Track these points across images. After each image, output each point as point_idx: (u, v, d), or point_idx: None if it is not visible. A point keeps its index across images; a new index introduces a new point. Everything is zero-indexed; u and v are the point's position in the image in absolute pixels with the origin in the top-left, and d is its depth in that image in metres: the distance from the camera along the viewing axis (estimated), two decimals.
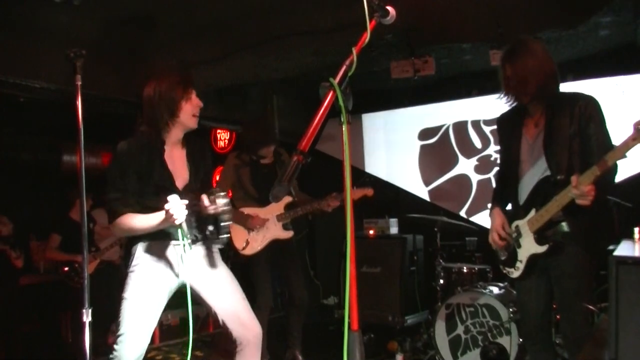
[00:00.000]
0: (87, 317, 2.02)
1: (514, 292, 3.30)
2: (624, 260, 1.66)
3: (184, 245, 2.33)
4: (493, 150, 5.29)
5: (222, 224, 2.28)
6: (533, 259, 2.44)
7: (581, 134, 2.32)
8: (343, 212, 1.46)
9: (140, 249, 2.41)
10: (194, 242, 2.47)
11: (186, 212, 2.20)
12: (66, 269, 4.70)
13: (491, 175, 5.25)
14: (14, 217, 4.71)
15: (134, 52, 4.24)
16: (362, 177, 5.66)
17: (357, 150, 6.10)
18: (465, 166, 5.48)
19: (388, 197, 5.65)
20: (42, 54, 3.85)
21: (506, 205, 2.63)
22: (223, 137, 6.59)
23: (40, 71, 3.91)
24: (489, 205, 2.70)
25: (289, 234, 3.88)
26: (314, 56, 4.32)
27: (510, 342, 3.37)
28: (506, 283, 3.72)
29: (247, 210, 3.80)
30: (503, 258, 2.61)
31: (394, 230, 5.23)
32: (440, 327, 3.73)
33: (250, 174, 3.87)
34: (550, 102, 2.41)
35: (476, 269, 4.04)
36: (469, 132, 5.47)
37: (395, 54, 4.38)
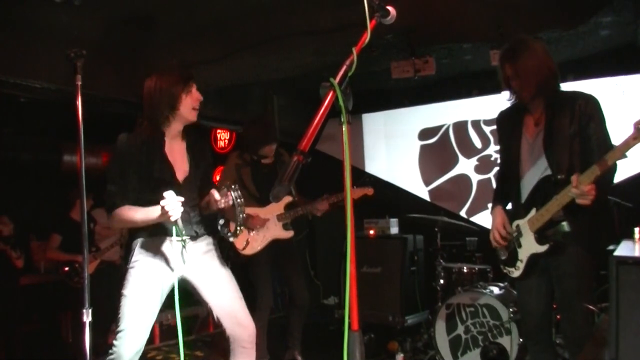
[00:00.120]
0: (87, 317, 2.02)
1: (515, 292, 3.30)
2: (625, 260, 1.66)
3: (183, 242, 2.34)
4: (493, 150, 5.29)
5: (240, 215, 2.28)
6: (533, 258, 2.43)
7: (581, 133, 2.32)
8: (343, 212, 1.46)
9: (140, 245, 2.43)
10: (193, 238, 2.47)
11: (181, 209, 2.20)
12: (66, 269, 4.70)
13: (491, 175, 5.25)
14: (15, 217, 4.72)
15: (134, 52, 4.24)
16: (362, 177, 5.65)
17: (357, 150, 6.10)
18: (466, 166, 5.48)
19: (388, 197, 5.65)
20: (43, 54, 3.85)
21: (507, 204, 2.63)
22: (223, 137, 6.59)
23: (41, 71, 3.91)
24: (489, 205, 2.70)
25: (289, 234, 3.88)
26: (314, 56, 4.32)
27: (510, 342, 3.36)
28: (506, 283, 3.72)
29: (247, 210, 3.79)
30: (503, 258, 2.61)
31: (394, 230, 5.23)
32: (440, 327, 3.73)
33: (251, 173, 3.87)
34: (551, 101, 2.41)
35: (476, 269, 4.04)
36: (469, 132, 5.47)
37: (396, 54, 4.38)
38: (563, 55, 4.54)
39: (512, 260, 2.54)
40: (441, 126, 5.65)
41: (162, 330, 4.83)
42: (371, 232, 5.23)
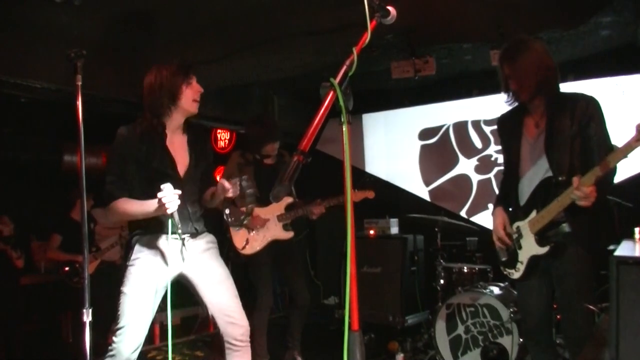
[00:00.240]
0: (87, 317, 2.02)
1: (515, 292, 3.30)
2: (625, 260, 1.66)
3: (182, 240, 2.34)
4: (493, 150, 5.28)
5: (249, 205, 2.29)
6: (534, 260, 2.43)
7: (581, 133, 2.32)
8: (343, 212, 1.46)
9: (139, 242, 2.43)
10: (193, 236, 2.47)
11: (178, 202, 2.20)
12: (67, 269, 4.70)
13: (491, 175, 5.24)
14: (15, 217, 4.71)
15: (134, 52, 4.24)
16: (362, 177, 5.66)
17: (357, 150, 6.11)
18: (466, 166, 5.48)
19: (388, 197, 5.64)
20: (43, 54, 3.85)
21: (509, 205, 2.63)
22: (223, 137, 6.59)
23: (41, 71, 3.91)
24: (490, 206, 2.71)
25: (289, 234, 3.87)
26: (314, 56, 4.32)
27: (511, 342, 3.36)
28: (507, 283, 3.72)
29: None
30: (504, 259, 2.61)
31: (394, 230, 5.22)
32: (440, 327, 3.73)
33: (253, 173, 3.86)
34: (551, 101, 2.41)
35: (477, 269, 4.04)
36: (469, 132, 5.47)
37: (396, 54, 4.38)
38: (563, 55, 4.54)
39: (512, 261, 2.54)
40: (441, 126, 5.65)
41: (162, 330, 4.83)
42: (371, 232, 5.23)
